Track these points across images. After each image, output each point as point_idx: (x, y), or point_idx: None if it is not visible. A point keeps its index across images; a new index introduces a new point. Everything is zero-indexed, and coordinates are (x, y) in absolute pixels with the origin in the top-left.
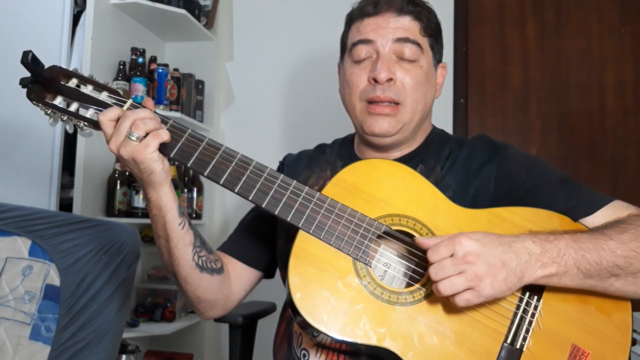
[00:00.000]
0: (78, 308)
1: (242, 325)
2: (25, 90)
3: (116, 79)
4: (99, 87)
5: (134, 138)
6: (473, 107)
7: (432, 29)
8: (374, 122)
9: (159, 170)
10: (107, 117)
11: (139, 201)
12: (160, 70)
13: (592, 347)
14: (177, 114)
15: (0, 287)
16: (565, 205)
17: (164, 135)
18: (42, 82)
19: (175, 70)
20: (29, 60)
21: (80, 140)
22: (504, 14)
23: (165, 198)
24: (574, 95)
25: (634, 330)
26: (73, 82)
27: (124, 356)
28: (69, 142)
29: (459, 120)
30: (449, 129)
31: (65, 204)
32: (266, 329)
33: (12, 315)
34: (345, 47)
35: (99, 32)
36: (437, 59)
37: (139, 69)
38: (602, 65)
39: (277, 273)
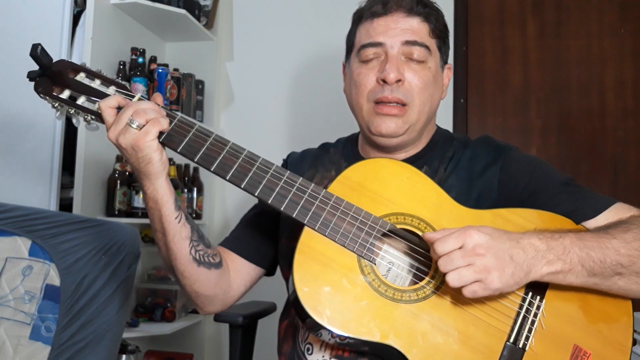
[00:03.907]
0: (78, 308)
1: (242, 325)
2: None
3: (116, 78)
4: (107, 81)
5: (134, 126)
6: (473, 107)
7: (440, 30)
8: (381, 122)
9: (157, 159)
10: (107, 104)
11: (139, 201)
12: (160, 70)
13: (593, 348)
14: (177, 114)
15: (0, 287)
16: (568, 208)
17: (164, 123)
18: (50, 75)
19: (175, 70)
20: (38, 53)
21: (81, 141)
22: (504, 14)
23: (162, 191)
24: (574, 95)
25: (634, 331)
26: (81, 76)
27: (124, 356)
28: (69, 143)
29: (459, 120)
30: (449, 129)
31: (65, 204)
32: (266, 329)
33: (12, 315)
34: (352, 47)
35: (99, 32)
36: (444, 59)
37: (139, 69)
38: (602, 65)
39: (278, 272)
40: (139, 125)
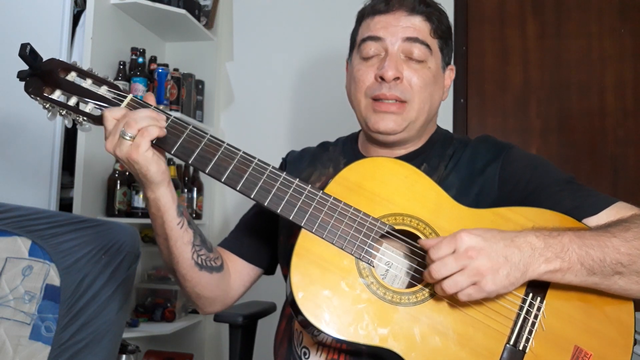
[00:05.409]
0: (78, 308)
1: (242, 325)
2: (23, 84)
3: (116, 79)
4: (99, 81)
5: (127, 137)
6: (473, 107)
7: (442, 31)
8: (379, 119)
9: (154, 171)
10: (112, 115)
11: (139, 201)
12: (160, 70)
13: (594, 349)
14: (177, 114)
15: (0, 287)
16: (570, 205)
17: (153, 131)
18: (41, 75)
19: (175, 70)
20: (27, 53)
21: (80, 140)
22: (504, 14)
23: (164, 199)
24: (574, 95)
25: (636, 332)
26: (72, 76)
27: (124, 356)
28: (69, 142)
29: (459, 120)
30: (448, 129)
31: (65, 204)
32: (266, 329)
33: (12, 315)
34: (355, 43)
35: (99, 32)
36: (446, 61)
37: (139, 69)
38: (602, 65)
39: (278, 271)
40: (131, 136)
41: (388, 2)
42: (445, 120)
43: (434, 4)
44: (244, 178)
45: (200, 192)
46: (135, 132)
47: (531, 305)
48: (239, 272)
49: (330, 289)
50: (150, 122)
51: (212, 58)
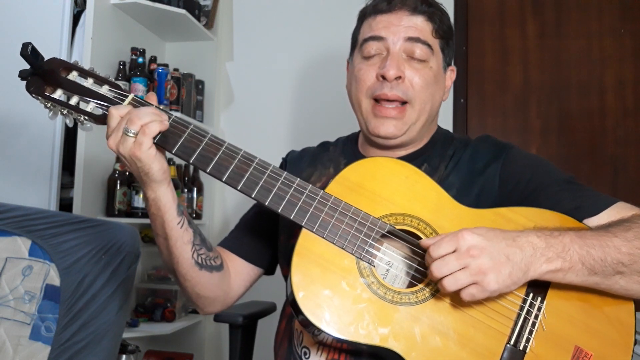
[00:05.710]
0: (78, 308)
1: (242, 325)
2: (24, 89)
3: (116, 79)
4: (100, 80)
5: (130, 134)
6: (473, 107)
7: (444, 31)
8: (379, 124)
9: (156, 169)
10: (119, 112)
11: (139, 201)
12: (160, 70)
13: (594, 349)
14: (177, 114)
15: (0, 287)
16: (570, 205)
17: (155, 127)
18: (42, 74)
19: (175, 70)
20: (29, 52)
21: (80, 140)
22: (504, 14)
23: (164, 198)
24: (574, 95)
25: (636, 332)
26: (73, 75)
27: (124, 356)
28: (69, 142)
29: (459, 120)
30: (449, 129)
31: (65, 204)
32: (266, 329)
33: (12, 315)
34: (356, 43)
35: (99, 32)
36: (447, 61)
37: (139, 69)
38: (602, 65)
39: (278, 271)
40: (134, 132)
41: (390, 2)
42: (445, 120)
43: (436, 4)
44: (245, 177)
45: (200, 192)
46: (138, 128)
47: (532, 305)
48: (239, 271)
49: (330, 289)
50: (152, 118)
51: (212, 58)
